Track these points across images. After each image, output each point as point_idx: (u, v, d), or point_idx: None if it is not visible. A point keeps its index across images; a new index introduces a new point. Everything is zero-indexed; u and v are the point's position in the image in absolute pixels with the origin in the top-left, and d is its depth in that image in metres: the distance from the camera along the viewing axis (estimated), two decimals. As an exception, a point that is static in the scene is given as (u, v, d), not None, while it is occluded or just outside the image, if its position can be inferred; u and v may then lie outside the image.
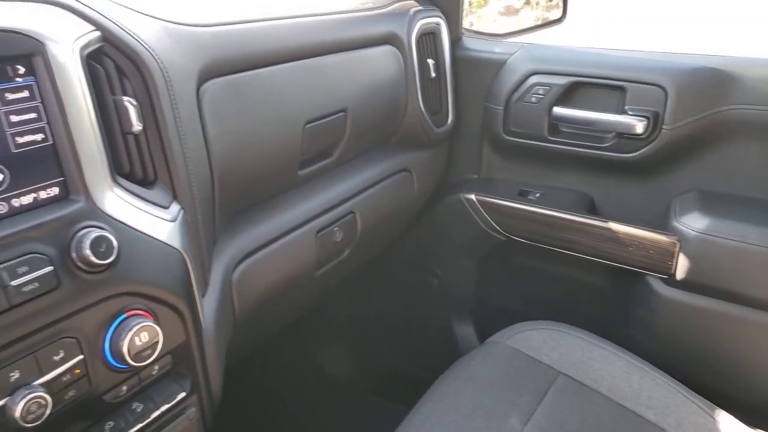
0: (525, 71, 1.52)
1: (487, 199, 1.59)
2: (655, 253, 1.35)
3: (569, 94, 1.49)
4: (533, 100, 1.50)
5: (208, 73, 0.96)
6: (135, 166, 0.84)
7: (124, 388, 0.79)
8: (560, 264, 1.61)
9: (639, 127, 1.37)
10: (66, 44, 0.72)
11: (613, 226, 1.41)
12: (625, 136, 1.41)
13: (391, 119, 1.44)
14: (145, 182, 0.86)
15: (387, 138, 1.49)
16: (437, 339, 1.86)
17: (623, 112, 1.41)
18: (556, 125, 1.51)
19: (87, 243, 0.71)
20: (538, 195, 1.58)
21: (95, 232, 0.72)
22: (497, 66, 1.57)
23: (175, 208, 0.88)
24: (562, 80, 1.47)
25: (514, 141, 1.56)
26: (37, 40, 0.68)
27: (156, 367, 0.83)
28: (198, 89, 0.94)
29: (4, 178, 0.68)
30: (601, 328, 1.38)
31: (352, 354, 2.03)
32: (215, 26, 1.00)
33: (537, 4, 2.28)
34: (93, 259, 0.71)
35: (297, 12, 1.19)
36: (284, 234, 1.19)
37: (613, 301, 1.58)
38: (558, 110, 1.48)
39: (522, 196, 1.59)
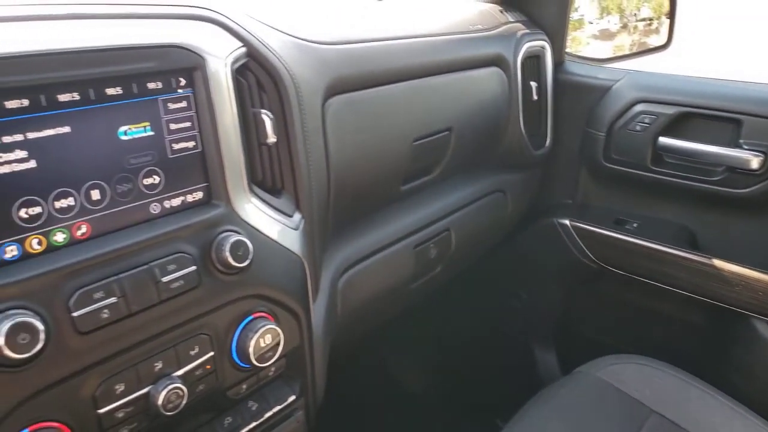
0: (631, 99, 1.49)
1: (582, 225, 1.57)
2: (764, 295, 1.29)
3: (677, 124, 1.45)
4: (638, 128, 1.47)
5: (333, 90, 1.00)
6: (266, 175, 0.88)
7: (244, 386, 0.83)
8: (654, 298, 1.56)
9: (755, 162, 1.32)
10: (221, 59, 0.77)
11: (718, 263, 1.36)
12: (737, 171, 1.36)
13: (491, 139, 1.45)
14: (274, 191, 0.90)
15: (486, 158, 1.49)
16: (517, 363, 1.84)
17: (737, 145, 1.36)
18: (660, 155, 1.47)
19: (227, 246, 0.75)
20: (635, 225, 1.54)
21: (234, 236, 0.76)
22: (601, 92, 1.55)
23: (297, 216, 0.92)
24: (671, 110, 1.44)
25: (614, 168, 1.53)
26: (199, 55, 0.73)
27: (273, 369, 0.87)
28: (323, 104, 0.98)
29: (160, 181, 0.73)
30: (694, 368, 1.33)
31: (430, 370, 2.04)
32: (340, 44, 1.04)
33: (635, 28, 2.23)
34: (231, 261, 0.75)
35: (411, 32, 1.22)
36: (386, 246, 1.22)
37: (710, 341, 1.52)
38: (664, 140, 1.44)
39: (618, 225, 1.55)
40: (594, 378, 1.27)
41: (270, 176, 0.90)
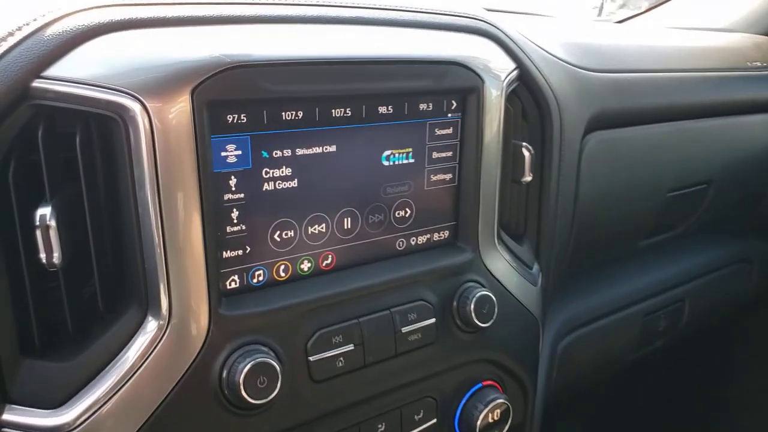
0: None
1: None
2: None
3: None
4: None
5: (594, 124, 0.86)
6: (512, 217, 0.76)
7: (457, 461, 0.72)
8: None
9: None
10: (498, 81, 0.66)
11: None
12: None
13: (752, 200, 1.20)
14: (515, 236, 0.78)
15: (738, 220, 1.25)
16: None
17: None
18: None
19: (472, 300, 0.64)
20: None
21: (480, 290, 0.65)
22: None
23: (536, 269, 0.78)
24: None
25: None
26: (479, 75, 0.63)
27: (491, 445, 0.74)
28: (582, 139, 0.84)
29: (410, 215, 0.64)
30: None
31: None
32: (608, 72, 0.89)
33: None
34: (474, 319, 0.64)
35: (683, 65, 1.03)
36: (614, 311, 1.04)
37: None
38: None
39: None
40: None
41: (515, 220, 0.78)
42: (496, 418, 0.68)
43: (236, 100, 0.50)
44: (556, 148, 0.77)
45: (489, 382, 0.70)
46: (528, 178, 0.72)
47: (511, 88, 0.69)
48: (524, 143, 0.72)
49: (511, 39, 0.71)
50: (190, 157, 0.48)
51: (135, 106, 0.45)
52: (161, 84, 0.46)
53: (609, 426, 1.53)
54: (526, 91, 0.74)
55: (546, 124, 0.76)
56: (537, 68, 0.74)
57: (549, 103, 0.75)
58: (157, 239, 0.47)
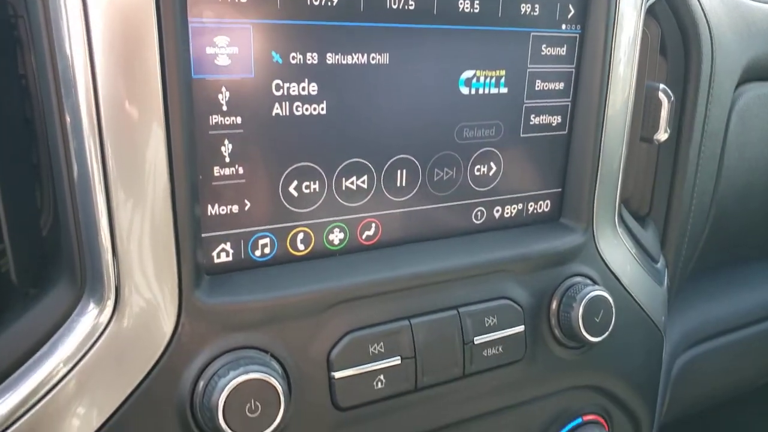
0: None
1: None
2: None
3: None
4: None
5: (752, 72, 0.64)
6: (635, 191, 0.55)
7: None
8: None
9: None
10: (638, -11, 0.44)
11: None
12: None
13: None
14: (637, 217, 0.56)
15: None
16: None
17: None
18: None
19: (581, 303, 0.44)
20: None
21: (592, 289, 0.44)
22: None
23: (661, 263, 0.57)
24: None
25: None
26: None
27: (586, 502, 0.54)
28: (734, 92, 0.61)
29: (495, 173, 0.44)
30: None
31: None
32: (777, 2, 0.66)
33: None
34: (581, 329, 0.44)
35: None
36: (749, 323, 0.80)
37: None
38: None
39: None
40: None
41: (639, 193, 0.56)
42: (599, 470, 0.48)
43: None
44: (702, 98, 0.57)
45: (592, 417, 0.50)
46: (663, 135, 0.51)
47: (651, 1, 0.47)
48: (662, 86, 0.50)
49: None
50: (150, 51, 0.29)
51: None
52: None
53: None
54: (669, 12, 0.52)
55: (692, 62, 0.56)
56: None
57: (699, 31, 0.54)
58: (95, 182, 0.30)
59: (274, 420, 0.33)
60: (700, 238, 0.65)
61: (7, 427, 0.31)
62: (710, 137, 0.59)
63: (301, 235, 0.38)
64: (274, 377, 0.34)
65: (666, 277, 0.58)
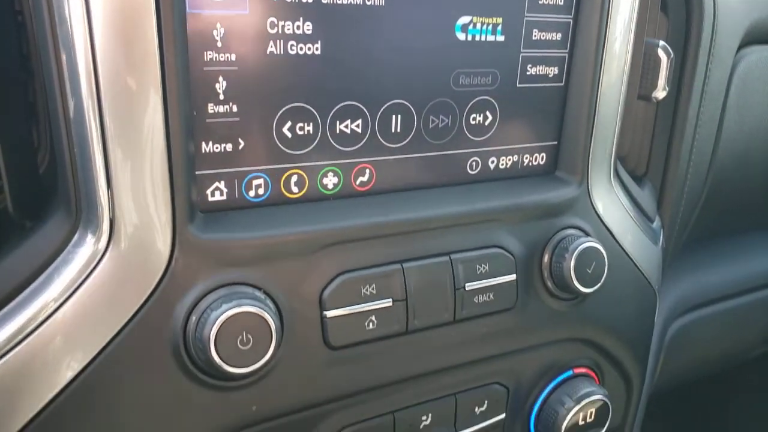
0: None
1: None
2: None
3: None
4: None
5: (755, 34, 0.63)
6: (632, 150, 0.55)
7: (529, 472, 0.53)
8: None
9: None
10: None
11: None
12: None
13: None
14: (633, 177, 0.57)
15: None
16: None
17: None
18: None
19: (573, 253, 0.44)
20: None
21: (585, 241, 0.44)
22: None
23: (657, 223, 0.57)
24: None
25: None
26: None
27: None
28: (736, 54, 0.61)
29: (491, 123, 0.44)
30: None
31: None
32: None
33: None
34: (573, 280, 0.44)
35: None
36: (743, 291, 0.81)
37: None
38: None
39: None
40: None
41: (636, 152, 0.56)
42: (589, 419, 0.49)
43: None
44: (703, 57, 0.56)
45: (583, 370, 0.51)
46: (661, 93, 0.51)
47: None
48: (662, 42, 0.50)
49: None
50: None
51: None
52: None
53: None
54: None
55: (693, 20, 0.55)
56: None
57: None
58: (90, 117, 0.31)
59: (266, 353, 0.34)
60: (698, 204, 0.65)
61: (6, 353, 0.32)
62: (710, 98, 0.59)
63: (294, 178, 0.38)
64: (266, 311, 0.34)
65: (662, 238, 0.59)
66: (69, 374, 0.33)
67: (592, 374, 0.52)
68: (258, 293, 0.35)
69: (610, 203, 0.50)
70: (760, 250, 0.84)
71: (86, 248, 0.33)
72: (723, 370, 0.94)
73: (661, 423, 1.20)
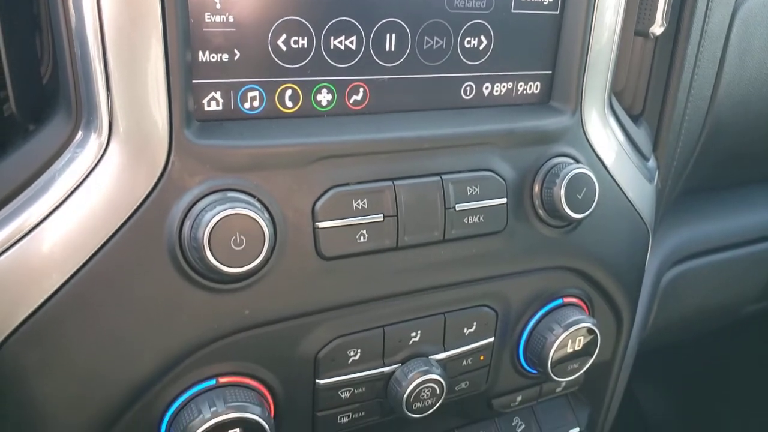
0: None
1: None
2: None
3: None
4: None
5: None
6: (628, 88, 0.56)
7: (519, 398, 0.54)
8: None
9: None
10: None
11: None
12: None
13: None
14: (631, 115, 0.57)
15: None
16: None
17: None
18: None
19: (563, 179, 0.45)
20: None
21: (575, 168, 0.45)
22: None
23: (652, 163, 0.58)
24: None
25: None
26: None
27: (563, 384, 0.56)
28: None
29: (486, 48, 0.44)
30: None
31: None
32: None
33: None
34: (563, 205, 0.45)
35: None
36: (739, 244, 0.81)
37: None
38: None
39: None
40: None
41: (632, 90, 0.56)
42: (577, 347, 0.50)
43: None
44: None
45: (573, 300, 0.52)
46: (659, 28, 0.51)
47: None
48: None
49: None
50: None
51: None
52: None
53: (699, 393, 1.30)
54: None
55: None
56: None
57: None
58: (90, 25, 0.32)
59: (258, 255, 0.35)
60: (695, 148, 0.65)
61: (10, 246, 0.33)
62: (710, 39, 0.59)
63: (289, 92, 0.39)
64: (258, 215, 0.35)
65: (657, 178, 0.59)
66: (69, 269, 0.34)
67: (582, 304, 0.53)
68: (251, 199, 0.36)
69: (605, 136, 0.50)
70: (760, 203, 0.84)
71: (85, 148, 0.34)
72: (717, 325, 0.95)
73: (652, 384, 1.22)
